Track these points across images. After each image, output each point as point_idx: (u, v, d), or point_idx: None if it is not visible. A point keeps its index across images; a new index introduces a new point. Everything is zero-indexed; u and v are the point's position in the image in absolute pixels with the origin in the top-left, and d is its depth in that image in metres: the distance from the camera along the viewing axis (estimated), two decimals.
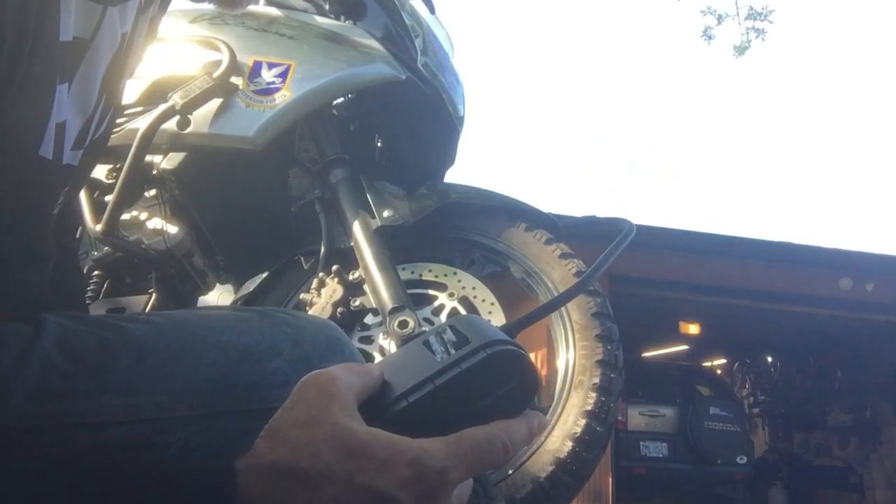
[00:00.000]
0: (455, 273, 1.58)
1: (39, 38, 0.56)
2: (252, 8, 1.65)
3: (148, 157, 1.51)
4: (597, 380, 1.41)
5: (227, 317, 0.70)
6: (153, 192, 1.57)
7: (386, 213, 1.56)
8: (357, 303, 1.53)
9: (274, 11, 1.69)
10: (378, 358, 1.50)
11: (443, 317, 1.52)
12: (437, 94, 1.66)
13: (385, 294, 1.45)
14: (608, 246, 0.72)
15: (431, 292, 1.57)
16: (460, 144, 1.79)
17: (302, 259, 1.68)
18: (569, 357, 1.46)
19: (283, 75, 1.52)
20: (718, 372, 10.27)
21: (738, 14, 7.42)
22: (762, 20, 7.33)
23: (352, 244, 1.55)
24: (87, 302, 1.49)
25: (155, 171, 1.55)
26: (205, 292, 1.74)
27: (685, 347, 9.99)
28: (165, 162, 1.55)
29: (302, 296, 1.58)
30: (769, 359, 9.94)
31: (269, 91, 1.50)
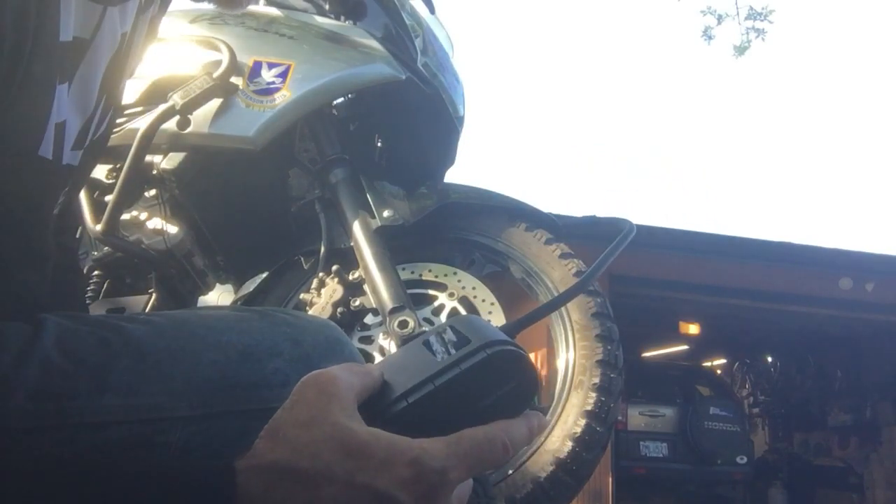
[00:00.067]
0: (455, 273, 1.58)
1: (39, 38, 0.56)
2: (252, 8, 1.65)
3: (148, 157, 1.51)
4: (597, 380, 1.41)
5: (227, 317, 0.70)
6: (153, 192, 1.57)
7: (386, 213, 1.56)
8: (357, 303, 1.53)
9: (274, 11, 1.69)
10: (378, 358, 1.50)
11: (443, 317, 1.52)
12: (437, 94, 1.66)
13: (385, 294, 1.45)
14: (608, 246, 0.72)
15: (431, 292, 1.57)
16: (460, 144, 1.79)
17: (302, 259, 1.68)
18: (569, 357, 1.46)
19: (283, 75, 1.52)
20: (718, 372, 10.27)
21: (738, 14, 7.43)
22: (762, 20, 7.34)
23: (352, 244, 1.55)
24: (87, 302, 1.49)
25: (155, 171, 1.55)
26: (205, 292, 1.74)
27: (685, 347, 9.99)
28: (165, 162, 1.55)
29: (302, 296, 1.58)
30: (769, 359, 9.94)
31: (269, 91, 1.50)
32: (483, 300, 1.53)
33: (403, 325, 1.41)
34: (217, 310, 0.79)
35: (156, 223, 1.56)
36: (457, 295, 1.53)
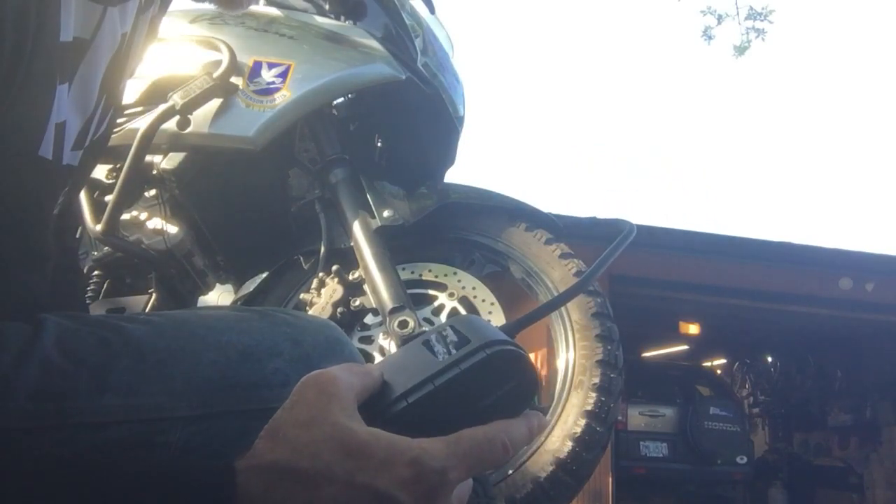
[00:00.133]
0: (455, 273, 1.58)
1: (40, 38, 0.56)
2: (252, 8, 1.65)
3: (148, 157, 1.51)
4: (597, 380, 1.41)
5: (227, 317, 0.70)
6: (153, 192, 1.57)
7: (386, 213, 1.56)
8: (357, 303, 1.53)
9: (274, 11, 1.69)
10: (378, 358, 1.50)
11: (443, 317, 1.52)
12: (437, 94, 1.66)
13: (385, 294, 1.45)
14: (608, 246, 0.72)
15: (431, 292, 1.57)
16: (460, 144, 1.79)
17: (302, 259, 1.68)
18: (569, 357, 1.46)
19: (283, 75, 1.52)
20: (718, 372, 10.27)
21: (738, 14, 7.43)
22: (762, 20, 7.34)
23: (352, 244, 1.55)
24: (87, 302, 1.49)
25: (155, 171, 1.55)
26: (205, 292, 1.74)
27: (685, 347, 9.99)
28: (165, 162, 1.55)
29: (302, 296, 1.58)
30: (769, 359, 9.94)
31: (269, 91, 1.50)
32: (483, 300, 1.53)
33: (403, 325, 1.41)
34: (217, 310, 0.79)
35: (156, 223, 1.56)
36: (457, 295, 1.53)
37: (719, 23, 7.57)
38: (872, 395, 8.20)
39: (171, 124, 1.47)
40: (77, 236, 1.26)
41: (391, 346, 1.48)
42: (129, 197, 1.52)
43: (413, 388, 0.49)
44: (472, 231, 1.62)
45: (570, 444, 1.37)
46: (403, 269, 1.58)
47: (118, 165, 1.51)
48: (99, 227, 1.47)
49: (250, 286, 1.79)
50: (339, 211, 1.59)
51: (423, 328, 1.43)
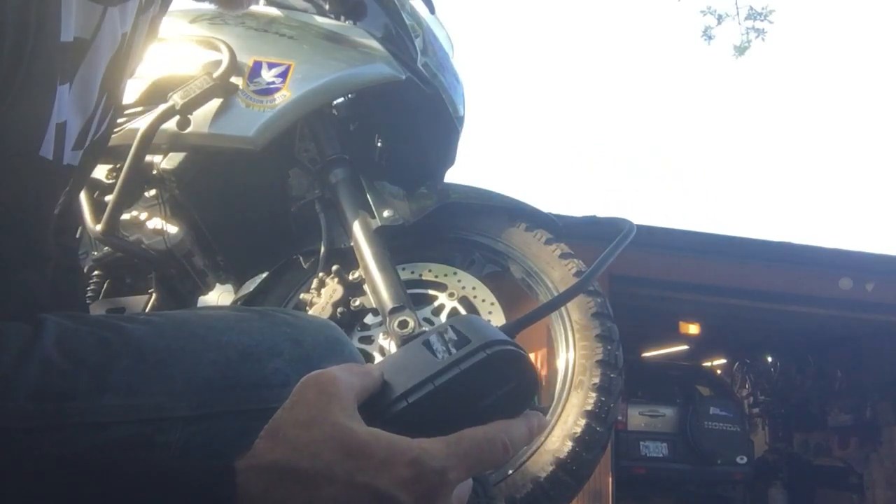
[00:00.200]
0: (455, 273, 1.58)
1: (40, 38, 0.56)
2: (252, 8, 1.65)
3: (148, 157, 1.51)
4: (597, 380, 1.41)
5: (227, 317, 0.70)
6: (153, 192, 1.57)
7: (386, 213, 1.56)
8: (357, 303, 1.53)
9: (274, 11, 1.69)
10: (378, 358, 1.50)
11: (443, 317, 1.52)
12: (437, 94, 1.66)
13: (385, 294, 1.45)
14: (608, 246, 0.72)
15: (431, 292, 1.57)
16: (460, 144, 1.79)
17: (302, 259, 1.68)
18: (569, 357, 1.46)
19: (283, 75, 1.52)
20: (718, 372, 10.27)
21: (738, 14, 7.43)
22: (762, 20, 7.34)
23: (352, 244, 1.55)
24: (87, 302, 1.49)
25: (155, 171, 1.55)
26: (205, 292, 1.74)
27: (685, 347, 9.99)
28: (165, 162, 1.55)
29: (302, 296, 1.58)
30: (769, 359, 9.93)
31: (269, 91, 1.50)
32: (483, 300, 1.53)
33: (403, 325, 1.41)
34: (217, 310, 0.79)
35: (156, 223, 1.56)
36: (457, 295, 1.53)
37: (719, 23, 7.58)
38: (872, 395, 8.20)
39: (171, 124, 1.47)
40: (77, 236, 1.26)
41: (391, 346, 1.48)
42: (129, 197, 1.52)
43: (413, 388, 0.49)
44: (472, 231, 1.62)
45: (570, 444, 1.37)
46: (403, 269, 1.58)
47: (118, 165, 1.51)
48: (99, 227, 1.47)
49: (250, 286, 1.79)
50: (339, 211, 1.59)
51: (423, 328, 1.43)
